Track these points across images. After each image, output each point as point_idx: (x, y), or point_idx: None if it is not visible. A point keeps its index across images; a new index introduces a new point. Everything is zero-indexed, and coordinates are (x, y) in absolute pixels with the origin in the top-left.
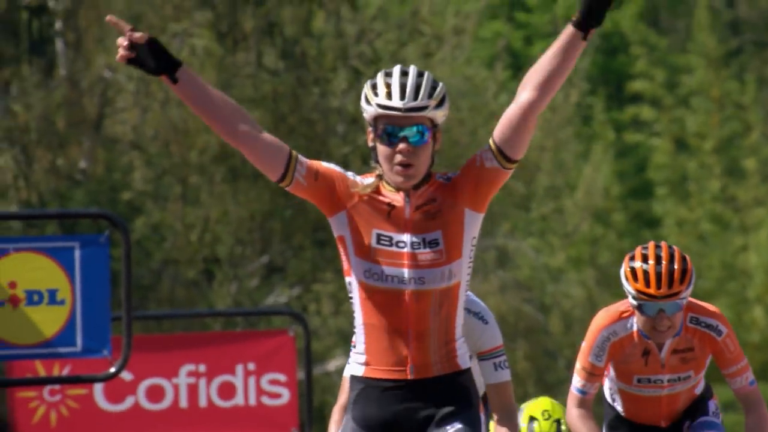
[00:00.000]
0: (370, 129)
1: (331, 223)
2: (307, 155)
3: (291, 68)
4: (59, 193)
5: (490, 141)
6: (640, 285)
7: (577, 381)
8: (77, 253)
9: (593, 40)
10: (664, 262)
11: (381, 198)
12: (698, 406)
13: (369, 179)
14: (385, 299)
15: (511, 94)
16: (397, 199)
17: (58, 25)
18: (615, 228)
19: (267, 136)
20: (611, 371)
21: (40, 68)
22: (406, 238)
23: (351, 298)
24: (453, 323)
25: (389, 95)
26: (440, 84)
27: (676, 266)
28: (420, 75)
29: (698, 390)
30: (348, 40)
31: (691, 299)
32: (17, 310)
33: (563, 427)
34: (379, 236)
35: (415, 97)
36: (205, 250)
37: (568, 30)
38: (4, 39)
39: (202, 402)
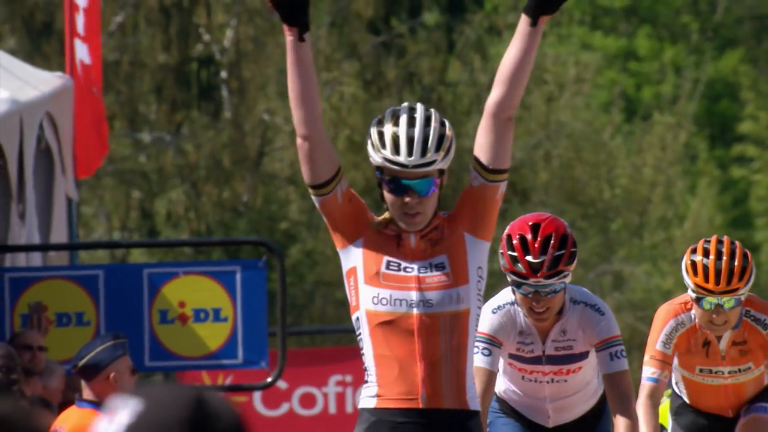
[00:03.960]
0: (377, 173)
1: (343, 256)
2: (443, 188)
3: None
4: (224, 223)
5: (474, 161)
6: (700, 279)
7: (648, 370)
8: (238, 276)
9: (700, 87)
10: (724, 258)
11: (388, 232)
12: (762, 394)
13: (378, 219)
14: (393, 326)
15: (626, 136)
16: (403, 230)
17: (223, 74)
18: None
19: (329, 144)
20: (675, 360)
21: (208, 112)
22: (414, 264)
23: (359, 335)
24: (464, 356)
25: (396, 149)
26: (447, 129)
27: (736, 263)
28: (427, 123)
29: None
30: (480, 87)
31: (751, 294)
32: (186, 327)
33: None
34: (388, 263)
35: (423, 152)
36: None
37: (521, 19)
38: (177, 86)
39: (349, 408)
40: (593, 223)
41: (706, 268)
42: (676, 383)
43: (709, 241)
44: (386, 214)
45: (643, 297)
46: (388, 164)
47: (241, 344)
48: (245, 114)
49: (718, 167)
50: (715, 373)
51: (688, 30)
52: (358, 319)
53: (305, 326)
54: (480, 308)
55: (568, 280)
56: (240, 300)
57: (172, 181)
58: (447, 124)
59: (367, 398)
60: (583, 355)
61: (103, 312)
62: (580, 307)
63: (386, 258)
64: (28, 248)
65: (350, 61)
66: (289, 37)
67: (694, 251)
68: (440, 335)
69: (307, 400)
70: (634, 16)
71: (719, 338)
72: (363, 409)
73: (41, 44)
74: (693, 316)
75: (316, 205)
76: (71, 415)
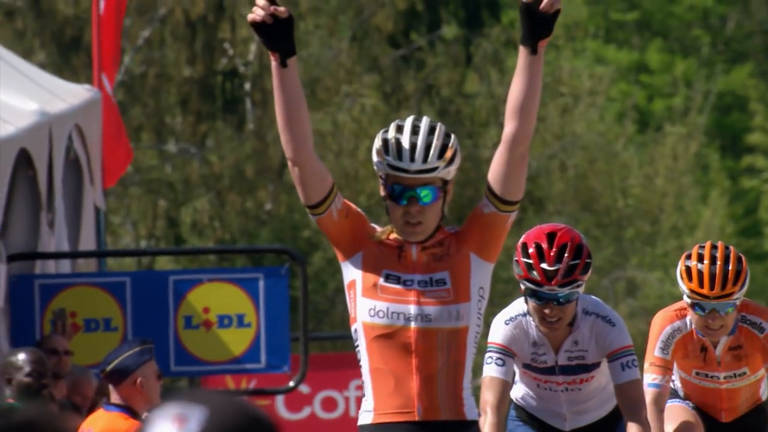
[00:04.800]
0: (380, 180)
1: (344, 269)
2: (460, 199)
3: (447, 124)
4: (248, 232)
5: (486, 189)
6: (694, 285)
7: (648, 377)
8: (261, 283)
9: (711, 99)
10: (718, 263)
11: (389, 243)
12: (759, 418)
13: (379, 229)
14: (390, 339)
15: (638, 147)
16: (406, 243)
17: (247, 87)
18: None
19: (321, 164)
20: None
21: (232, 124)
22: (414, 277)
23: (357, 347)
24: (462, 371)
25: (399, 155)
26: (452, 139)
27: (730, 267)
28: (431, 132)
29: (763, 394)
30: (497, 99)
31: (746, 299)
32: (210, 332)
33: None
34: (387, 275)
35: (425, 158)
36: None
37: (520, 51)
38: (202, 99)
39: None
40: (607, 231)
41: (700, 273)
42: (673, 382)
43: (704, 247)
44: (389, 226)
45: (656, 303)
46: (390, 170)
47: (264, 349)
48: (268, 125)
49: (729, 177)
50: (711, 377)
51: (699, 43)
52: (356, 331)
53: (327, 332)
54: (480, 326)
55: (581, 290)
56: (263, 306)
57: (197, 190)
58: (453, 137)
59: (365, 413)
60: (596, 365)
61: (130, 318)
62: (592, 318)
63: (385, 271)
64: (58, 255)
65: (371, 74)
66: (273, 62)
67: (688, 257)
68: (437, 351)
69: (329, 404)
70: (647, 30)
71: (715, 344)
72: (361, 426)
73: (70, 58)
74: (689, 323)
75: (314, 222)
76: (99, 418)
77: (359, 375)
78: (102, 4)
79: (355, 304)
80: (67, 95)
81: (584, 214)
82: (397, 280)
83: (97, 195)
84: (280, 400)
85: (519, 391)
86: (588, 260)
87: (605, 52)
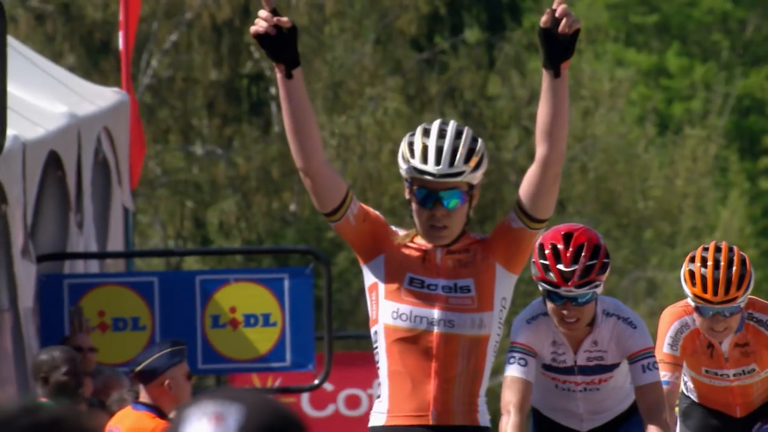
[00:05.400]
0: (405, 183)
1: (365, 271)
2: (482, 200)
3: (470, 126)
4: (273, 232)
5: (516, 205)
6: (698, 290)
7: (660, 375)
8: (286, 283)
9: (730, 102)
10: (722, 267)
11: (414, 245)
12: None
13: (403, 233)
14: (411, 342)
15: (658, 148)
16: (430, 247)
17: (272, 90)
18: None
19: (332, 167)
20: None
21: (258, 126)
22: (438, 281)
23: (376, 349)
24: (480, 379)
25: (425, 159)
26: (479, 144)
27: (734, 271)
28: (458, 136)
29: None
30: (519, 102)
31: (752, 297)
32: (237, 331)
33: None
34: (411, 279)
35: (451, 162)
36: None
37: (543, 75)
38: (228, 101)
39: None
40: (627, 232)
41: (704, 278)
42: (685, 383)
43: (707, 249)
44: (413, 230)
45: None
46: (416, 174)
47: (289, 348)
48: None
49: (748, 179)
50: (721, 375)
51: (719, 47)
52: (376, 332)
53: (351, 331)
54: (500, 335)
55: (599, 290)
56: (288, 306)
57: (223, 191)
58: (480, 141)
59: (377, 415)
60: (615, 366)
61: (158, 317)
62: (613, 320)
63: (409, 274)
64: (86, 256)
65: (394, 77)
66: (277, 74)
67: (692, 259)
68: (458, 357)
69: (352, 402)
70: (666, 33)
71: (721, 342)
72: (373, 428)
73: (99, 61)
74: (695, 320)
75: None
76: (126, 416)
77: None
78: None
79: (376, 306)
80: (96, 98)
81: (605, 216)
82: (421, 284)
83: (125, 196)
84: (305, 397)
85: (535, 393)
86: (606, 260)
87: (625, 55)
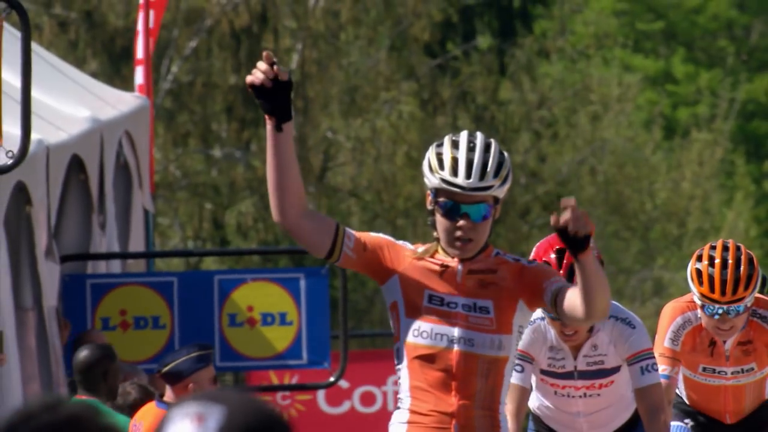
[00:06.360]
0: (429, 194)
1: (384, 293)
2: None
3: (482, 130)
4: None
5: (554, 295)
6: (705, 289)
7: (658, 368)
8: (302, 283)
9: (735, 106)
10: (730, 266)
11: (434, 260)
12: (764, 412)
13: (421, 248)
14: (432, 359)
15: (666, 152)
16: (451, 261)
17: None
18: None
19: (314, 215)
20: None
21: None
22: (458, 300)
23: (398, 366)
24: (499, 393)
25: (455, 172)
26: (506, 158)
27: (741, 271)
28: (487, 150)
29: None
30: (530, 106)
31: (758, 295)
32: (254, 330)
33: None
34: (430, 296)
35: (482, 176)
36: None
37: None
38: (246, 106)
39: None
40: (635, 233)
41: (711, 278)
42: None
43: (715, 248)
44: (434, 244)
45: None
46: (444, 185)
47: (306, 346)
48: (310, 131)
49: (753, 182)
50: (718, 373)
51: (725, 53)
52: (398, 349)
53: (366, 329)
54: (516, 358)
55: None
56: (304, 305)
57: (241, 193)
58: (507, 155)
59: (399, 424)
60: (615, 370)
61: (177, 316)
62: (611, 322)
63: (428, 291)
64: (108, 256)
65: (408, 82)
66: (268, 126)
67: (699, 258)
68: (477, 376)
69: (367, 399)
70: (673, 39)
71: (725, 340)
72: None
73: (120, 67)
74: (699, 315)
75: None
76: (149, 412)
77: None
78: (152, 17)
79: (398, 324)
80: (118, 103)
81: (613, 217)
82: (441, 302)
83: (146, 198)
84: (321, 394)
85: (535, 401)
86: None
87: (633, 61)
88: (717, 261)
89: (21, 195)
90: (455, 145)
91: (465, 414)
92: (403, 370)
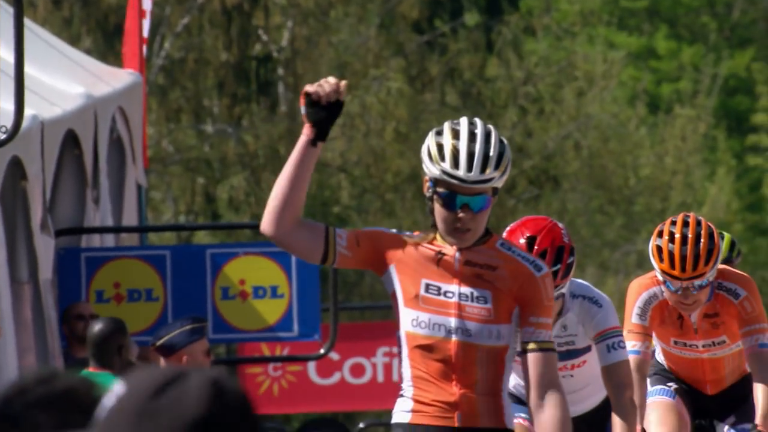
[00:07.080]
0: (427, 180)
1: (384, 282)
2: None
3: (469, 106)
4: None
5: (524, 345)
6: (665, 266)
7: (628, 344)
8: (293, 256)
9: (718, 82)
10: (690, 241)
11: (431, 246)
12: (747, 399)
13: (419, 235)
14: (431, 349)
15: (649, 127)
16: (449, 249)
17: (280, 71)
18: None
19: (302, 223)
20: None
21: (266, 106)
22: (455, 288)
23: (399, 353)
24: (501, 381)
25: (456, 163)
26: (506, 147)
27: (701, 246)
28: (487, 140)
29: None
30: (516, 82)
31: (723, 266)
32: (246, 303)
33: None
34: (427, 285)
35: (483, 169)
36: None
37: None
38: (237, 82)
39: (395, 378)
40: (619, 207)
41: (671, 254)
42: (657, 354)
43: (675, 223)
44: (431, 233)
45: None
46: (445, 177)
47: (297, 319)
48: (299, 108)
49: (735, 156)
50: (690, 346)
51: (707, 30)
52: (399, 338)
53: (356, 302)
54: (516, 347)
55: (565, 289)
56: (295, 278)
57: (233, 168)
58: (506, 144)
59: (402, 413)
60: (587, 349)
61: (170, 289)
62: (578, 301)
63: (425, 280)
64: (102, 230)
65: (397, 59)
66: (304, 137)
67: (660, 234)
68: (477, 365)
69: (357, 370)
70: (656, 16)
71: (690, 314)
72: (397, 424)
73: (114, 44)
74: (664, 290)
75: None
76: None
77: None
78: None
79: (398, 313)
80: (111, 79)
81: (598, 192)
82: (438, 291)
83: (139, 173)
84: (311, 366)
85: (512, 381)
86: (569, 261)
87: (617, 38)
88: (677, 236)
89: (16, 170)
90: (456, 134)
91: (467, 402)
92: (405, 360)
